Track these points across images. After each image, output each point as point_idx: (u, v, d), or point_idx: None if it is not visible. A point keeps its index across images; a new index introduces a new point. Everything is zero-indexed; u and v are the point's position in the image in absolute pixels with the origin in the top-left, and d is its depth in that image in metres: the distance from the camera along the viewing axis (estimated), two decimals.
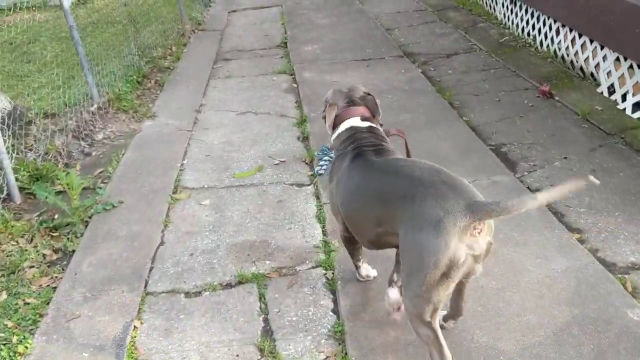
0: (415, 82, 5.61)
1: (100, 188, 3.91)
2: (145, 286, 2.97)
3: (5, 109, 4.53)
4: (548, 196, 1.88)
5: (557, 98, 4.96)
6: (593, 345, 2.40)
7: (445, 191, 1.95)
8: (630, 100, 4.51)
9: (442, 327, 2.31)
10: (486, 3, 7.89)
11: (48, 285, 3.04)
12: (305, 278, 2.95)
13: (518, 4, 6.71)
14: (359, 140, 2.42)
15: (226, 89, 5.85)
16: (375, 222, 2.22)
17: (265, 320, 2.70)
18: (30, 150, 4.33)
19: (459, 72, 5.86)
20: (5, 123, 4.10)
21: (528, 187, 3.63)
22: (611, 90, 4.82)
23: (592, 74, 5.18)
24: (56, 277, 3.10)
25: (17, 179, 3.83)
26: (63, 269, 3.16)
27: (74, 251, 3.30)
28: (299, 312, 2.73)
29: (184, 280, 3.01)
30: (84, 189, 3.87)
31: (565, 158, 3.97)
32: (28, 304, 2.91)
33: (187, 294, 2.91)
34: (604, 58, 4.93)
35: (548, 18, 6.00)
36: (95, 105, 5.15)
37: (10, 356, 2.57)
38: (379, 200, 2.18)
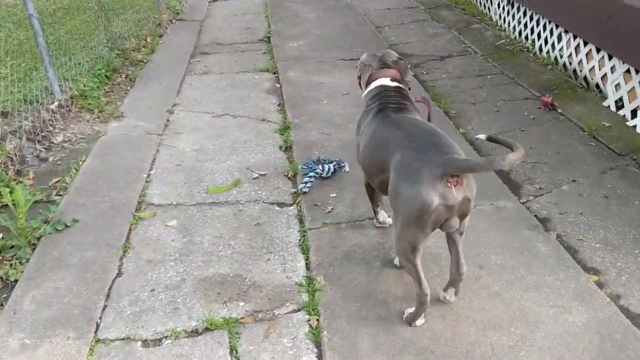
0: None
1: (54, 203, 3.43)
2: (96, 331, 2.51)
3: None
4: (514, 158, 2.04)
5: (560, 110, 4.60)
6: None
7: (429, 147, 2.20)
8: None
9: (444, 299, 2.54)
10: (480, 2, 7.49)
11: None
12: (284, 325, 2.52)
13: (515, 5, 6.33)
14: (385, 98, 2.64)
15: (203, 87, 5.38)
16: (380, 169, 2.45)
17: None
18: None
19: (454, 77, 5.47)
20: None
21: (536, 216, 3.26)
22: (619, 104, 4.46)
23: (597, 85, 4.82)
24: None
25: None
26: (2, 305, 2.70)
27: (16, 281, 2.84)
28: None
29: (142, 323, 2.55)
30: (35, 202, 3.40)
31: (574, 181, 3.60)
32: None
33: (145, 342, 2.45)
34: (612, 69, 4.57)
35: (549, 22, 5.62)
36: (56, 103, 4.62)
37: None
38: (382, 149, 2.42)
